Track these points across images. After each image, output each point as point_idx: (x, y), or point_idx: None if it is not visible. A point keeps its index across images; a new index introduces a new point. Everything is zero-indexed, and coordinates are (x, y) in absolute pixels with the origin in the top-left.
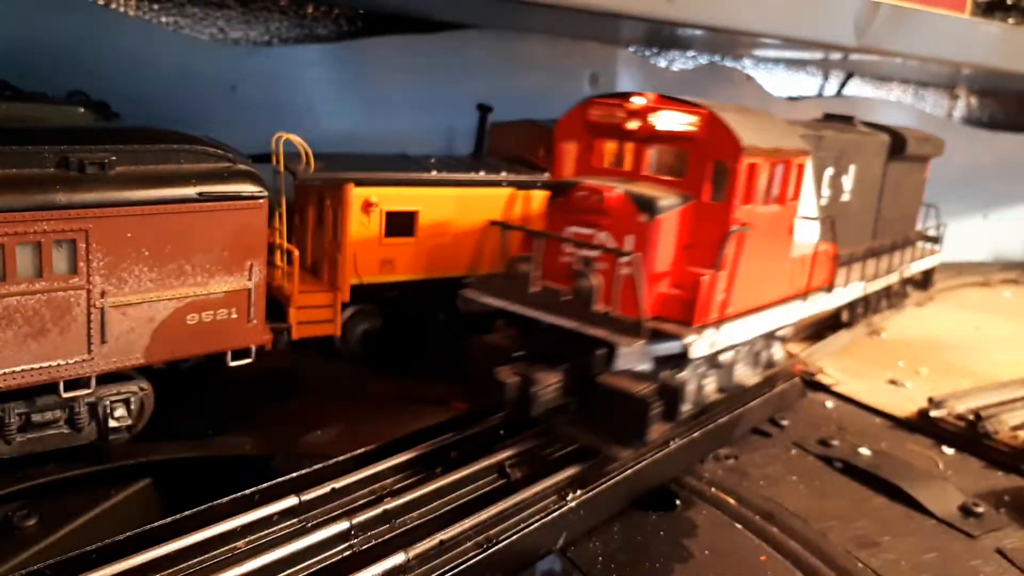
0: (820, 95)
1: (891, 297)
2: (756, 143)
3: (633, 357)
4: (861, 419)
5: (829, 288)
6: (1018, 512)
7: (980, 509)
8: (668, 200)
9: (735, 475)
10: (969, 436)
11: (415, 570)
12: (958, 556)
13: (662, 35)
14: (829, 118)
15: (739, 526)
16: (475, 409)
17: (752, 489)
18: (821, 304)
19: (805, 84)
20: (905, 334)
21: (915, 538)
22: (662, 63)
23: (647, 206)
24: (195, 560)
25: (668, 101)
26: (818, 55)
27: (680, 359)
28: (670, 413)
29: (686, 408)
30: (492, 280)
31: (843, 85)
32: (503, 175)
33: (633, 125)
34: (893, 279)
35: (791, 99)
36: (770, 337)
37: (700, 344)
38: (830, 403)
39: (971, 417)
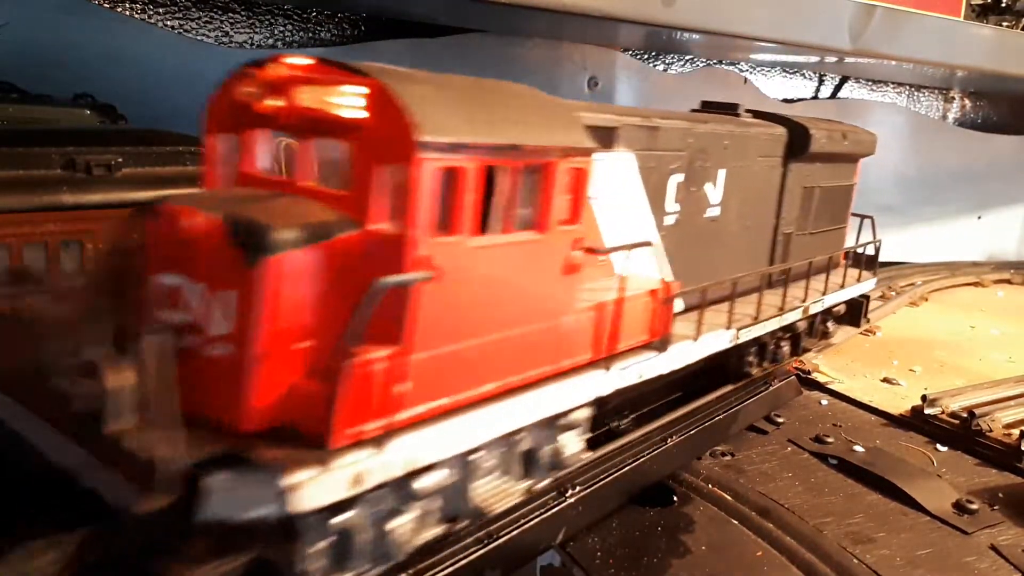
0: (815, 98)
1: (796, 340)
2: (457, 134)
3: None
4: (856, 416)
5: (662, 343)
6: (1012, 509)
7: (974, 506)
8: (292, 232)
9: (732, 472)
10: (963, 434)
11: (417, 564)
12: (952, 552)
13: (660, 39)
14: (707, 107)
15: (735, 522)
16: None
17: (748, 485)
18: (642, 369)
19: (802, 87)
20: (899, 333)
21: (910, 534)
22: (660, 67)
23: (250, 241)
24: None
25: (327, 68)
26: (814, 59)
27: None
28: None
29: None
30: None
31: (838, 88)
32: None
33: (274, 103)
34: (793, 317)
35: (787, 102)
36: (552, 426)
37: (327, 483)
38: (825, 401)
39: (965, 415)
